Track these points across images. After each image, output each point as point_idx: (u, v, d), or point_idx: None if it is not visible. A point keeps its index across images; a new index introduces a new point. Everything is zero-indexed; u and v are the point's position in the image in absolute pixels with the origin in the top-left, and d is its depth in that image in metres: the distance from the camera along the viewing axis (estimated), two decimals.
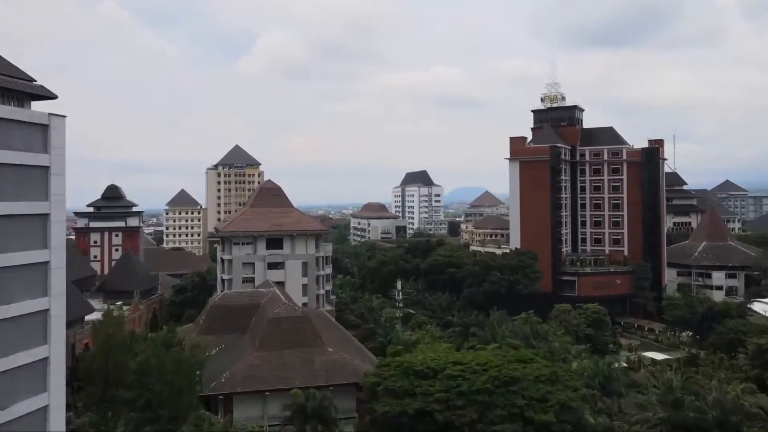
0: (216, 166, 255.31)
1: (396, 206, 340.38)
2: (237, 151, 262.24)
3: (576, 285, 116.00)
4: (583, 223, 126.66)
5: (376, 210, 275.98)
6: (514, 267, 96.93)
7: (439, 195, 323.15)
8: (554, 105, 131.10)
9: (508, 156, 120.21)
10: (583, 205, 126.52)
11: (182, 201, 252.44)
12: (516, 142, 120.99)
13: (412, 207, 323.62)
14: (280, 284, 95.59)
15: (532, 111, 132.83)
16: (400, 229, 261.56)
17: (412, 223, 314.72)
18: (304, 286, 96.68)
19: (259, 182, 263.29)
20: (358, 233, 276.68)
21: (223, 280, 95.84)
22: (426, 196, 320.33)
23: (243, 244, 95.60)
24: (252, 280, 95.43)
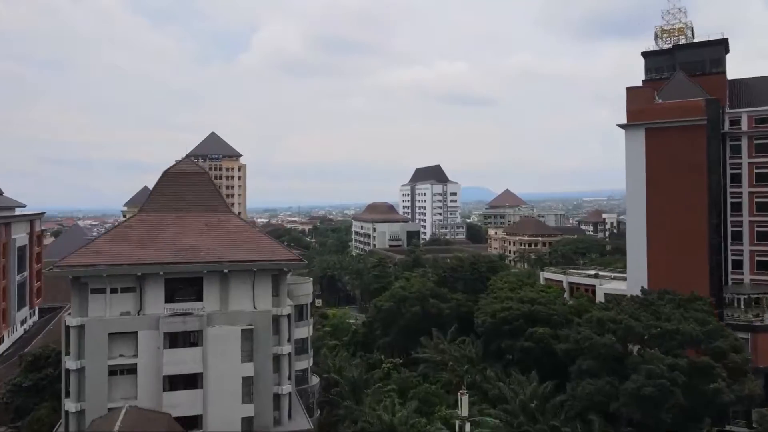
0: (186, 158, 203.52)
1: (404, 207, 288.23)
2: (213, 139, 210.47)
3: (749, 346, 63.53)
4: (737, 235, 74.16)
5: (382, 212, 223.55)
6: (690, 338, 44.40)
7: (455, 193, 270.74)
8: (681, 42, 78.69)
9: (625, 121, 67.62)
10: (737, 205, 74.06)
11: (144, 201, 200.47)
12: (638, 97, 67.74)
13: (424, 207, 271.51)
14: (193, 380, 43.85)
15: (644, 54, 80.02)
16: (413, 235, 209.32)
17: (424, 226, 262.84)
18: (247, 381, 44.39)
19: (239, 177, 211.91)
20: (361, 239, 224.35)
21: (69, 373, 43.51)
22: (440, 194, 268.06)
23: (115, 291, 43.40)
24: (131, 370, 43.20)
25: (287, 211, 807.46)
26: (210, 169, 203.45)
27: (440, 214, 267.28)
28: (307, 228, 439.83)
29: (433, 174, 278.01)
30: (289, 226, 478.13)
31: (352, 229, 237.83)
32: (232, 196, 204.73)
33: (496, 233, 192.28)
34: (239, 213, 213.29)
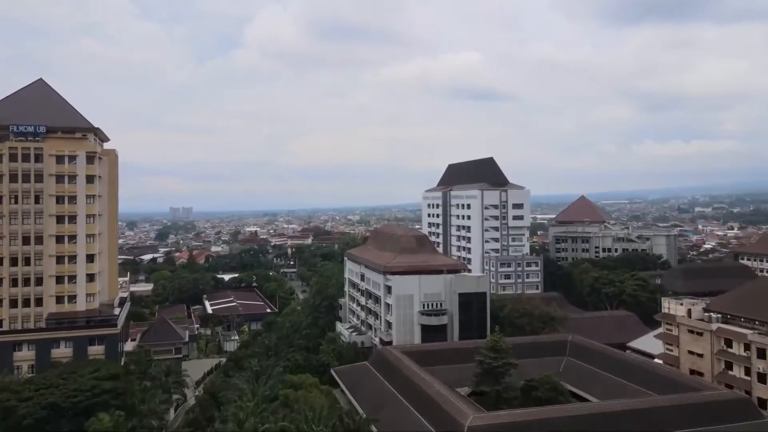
0: None
1: (431, 225, 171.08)
2: (36, 95, 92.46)
3: None
4: None
5: (405, 247, 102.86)
6: None
7: (521, 205, 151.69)
8: None
9: None
10: None
11: None
12: None
13: (467, 228, 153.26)
14: None
15: None
16: (474, 301, 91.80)
17: (468, 260, 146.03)
18: None
19: (90, 176, 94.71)
20: (362, 303, 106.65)
21: None
22: (496, 206, 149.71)
23: None
24: None
25: (288, 215, 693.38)
26: (16, 158, 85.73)
27: (496, 240, 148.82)
28: (294, 246, 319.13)
29: (481, 173, 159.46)
30: (273, 241, 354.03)
31: (346, 275, 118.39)
32: (70, 219, 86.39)
33: (689, 311, 73.32)
34: (91, 256, 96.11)
